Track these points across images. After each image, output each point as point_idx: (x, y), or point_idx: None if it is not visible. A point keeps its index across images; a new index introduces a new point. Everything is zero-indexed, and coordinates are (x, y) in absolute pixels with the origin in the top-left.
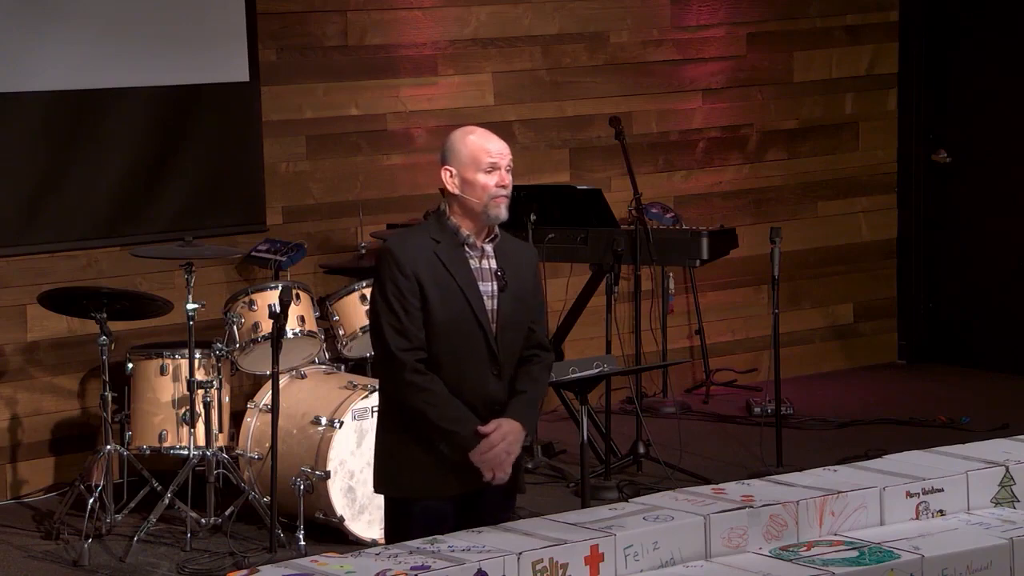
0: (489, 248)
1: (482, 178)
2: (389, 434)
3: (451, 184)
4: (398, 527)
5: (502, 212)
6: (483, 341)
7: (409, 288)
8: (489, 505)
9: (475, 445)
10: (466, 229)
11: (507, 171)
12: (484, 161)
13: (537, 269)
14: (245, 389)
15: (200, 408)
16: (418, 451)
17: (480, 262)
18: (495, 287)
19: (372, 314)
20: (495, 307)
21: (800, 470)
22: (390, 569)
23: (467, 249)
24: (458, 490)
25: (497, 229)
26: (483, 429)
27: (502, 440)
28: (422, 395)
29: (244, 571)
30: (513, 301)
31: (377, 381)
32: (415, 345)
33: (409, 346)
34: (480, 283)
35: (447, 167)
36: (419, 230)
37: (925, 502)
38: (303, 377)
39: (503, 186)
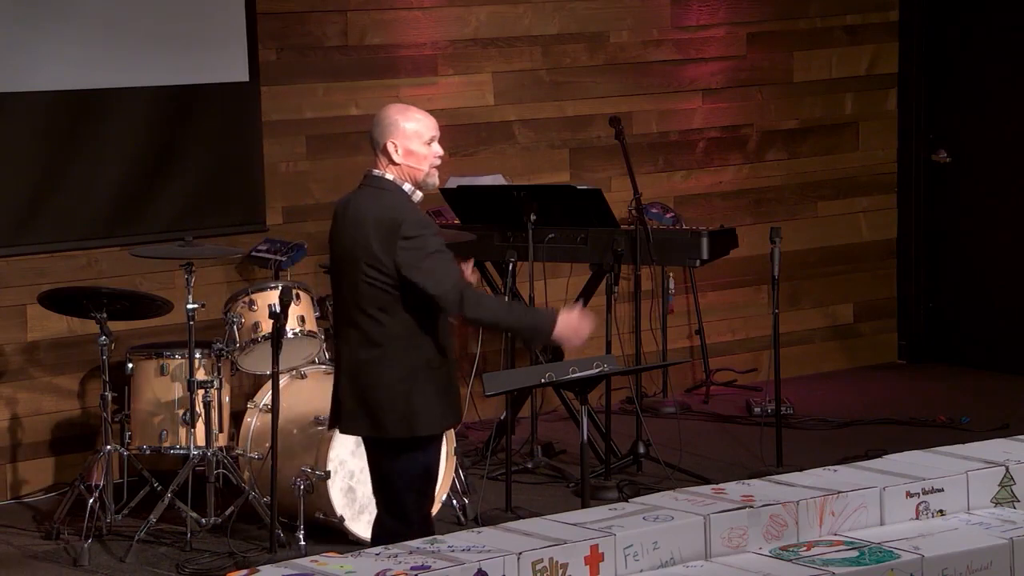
0: None
1: (424, 149)
2: (403, 380)
3: (395, 155)
4: (429, 462)
5: (436, 180)
6: None
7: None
8: None
9: (551, 326)
10: (419, 193)
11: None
12: (426, 134)
13: None
14: (245, 389)
15: (200, 408)
16: (431, 389)
17: None
18: None
19: (427, 260)
20: None
21: (800, 470)
22: (390, 569)
23: None
24: (459, 419)
25: None
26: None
27: (577, 311)
28: (492, 307)
29: (244, 571)
30: None
31: None
32: (456, 282)
33: (455, 282)
34: None
35: (391, 140)
36: (400, 198)
37: (925, 502)
38: (303, 377)
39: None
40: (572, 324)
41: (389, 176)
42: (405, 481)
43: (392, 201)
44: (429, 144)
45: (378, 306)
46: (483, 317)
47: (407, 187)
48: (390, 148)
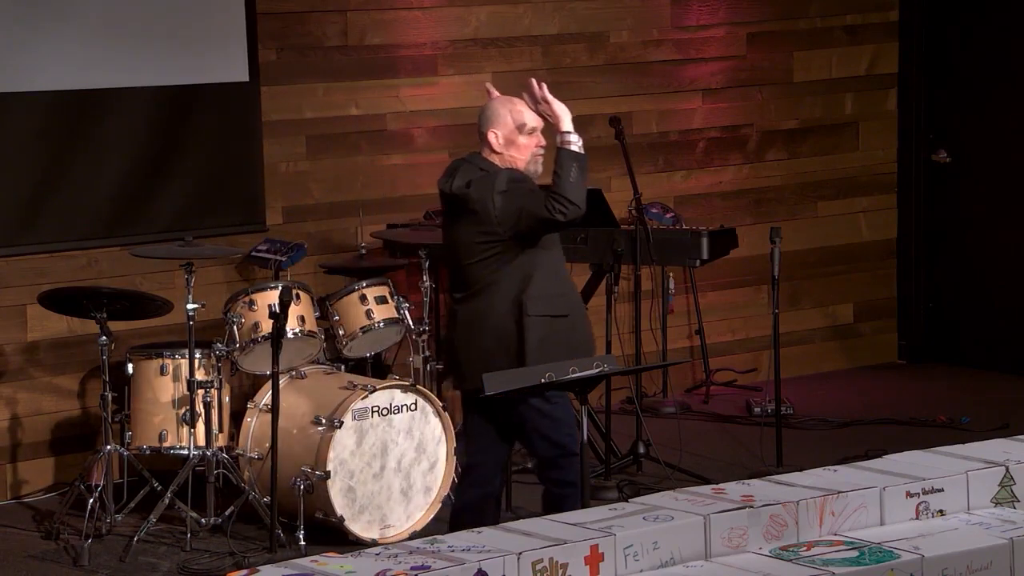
0: None
1: (525, 140)
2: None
3: (497, 145)
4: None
5: (540, 167)
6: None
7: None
8: None
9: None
10: None
11: (541, 134)
12: (528, 125)
13: None
14: (245, 389)
15: (200, 408)
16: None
17: None
18: None
19: (531, 200)
20: None
21: (800, 470)
22: (390, 569)
23: None
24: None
25: None
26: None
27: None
28: (558, 194)
29: (244, 571)
30: None
31: (376, 382)
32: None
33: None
34: None
35: (492, 130)
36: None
37: (925, 502)
38: (303, 377)
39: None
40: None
41: (491, 160)
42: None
43: (485, 174)
44: (530, 134)
45: (486, 267)
46: (569, 198)
47: None
48: (491, 138)
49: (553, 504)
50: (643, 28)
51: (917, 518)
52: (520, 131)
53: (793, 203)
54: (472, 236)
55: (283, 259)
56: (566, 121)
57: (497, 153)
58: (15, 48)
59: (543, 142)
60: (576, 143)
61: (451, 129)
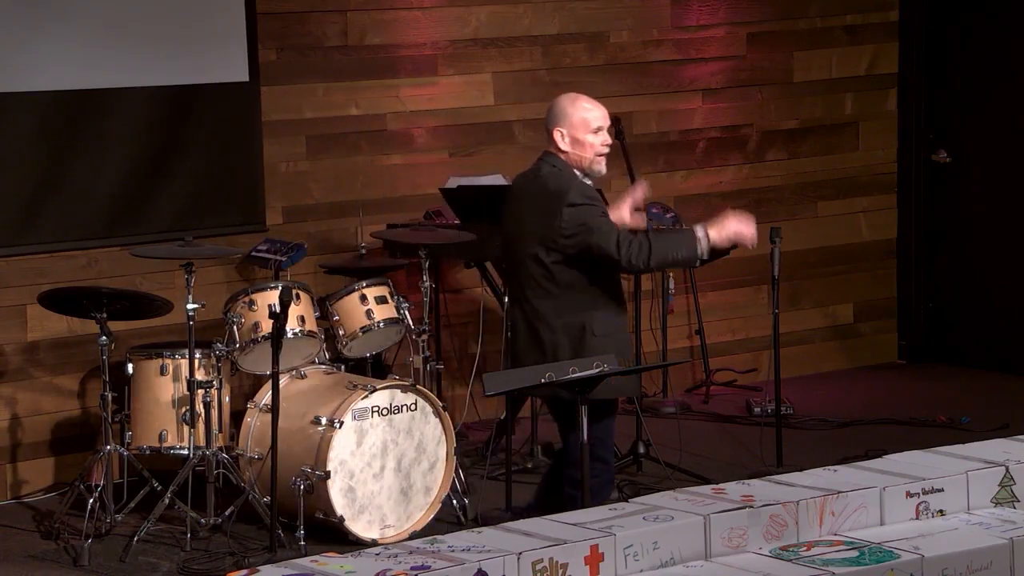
0: None
1: (590, 138)
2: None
3: (562, 143)
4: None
5: (603, 167)
6: None
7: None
8: None
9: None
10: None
11: (608, 133)
12: (592, 124)
13: None
14: (245, 389)
15: (200, 408)
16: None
17: None
18: None
19: (598, 229)
20: None
21: (800, 470)
22: (390, 569)
23: None
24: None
25: None
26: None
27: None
28: (646, 249)
29: (244, 571)
30: None
31: (376, 382)
32: (622, 238)
33: (620, 240)
34: None
35: (558, 128)
36: (570, 174)
37: (925, 502)
38: (303, 377)
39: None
40: (730, 228)
41: (560, 158)
42: None
43: (559, 176)
44: (596, 133)
45: (546, 277)
46: (650, 263)
47: (576, 172)
48: (557, 136)
49: (559, 499)
50: (643, 28)
51: (917, 518)
52: (586, 130)
53: (793, 203)
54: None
55: (283, 259)
56: (747, 239)
57: (563, 151)
58: (15, 48)
59: (608, 141)
60: (703, 244)
61: (451, 129)
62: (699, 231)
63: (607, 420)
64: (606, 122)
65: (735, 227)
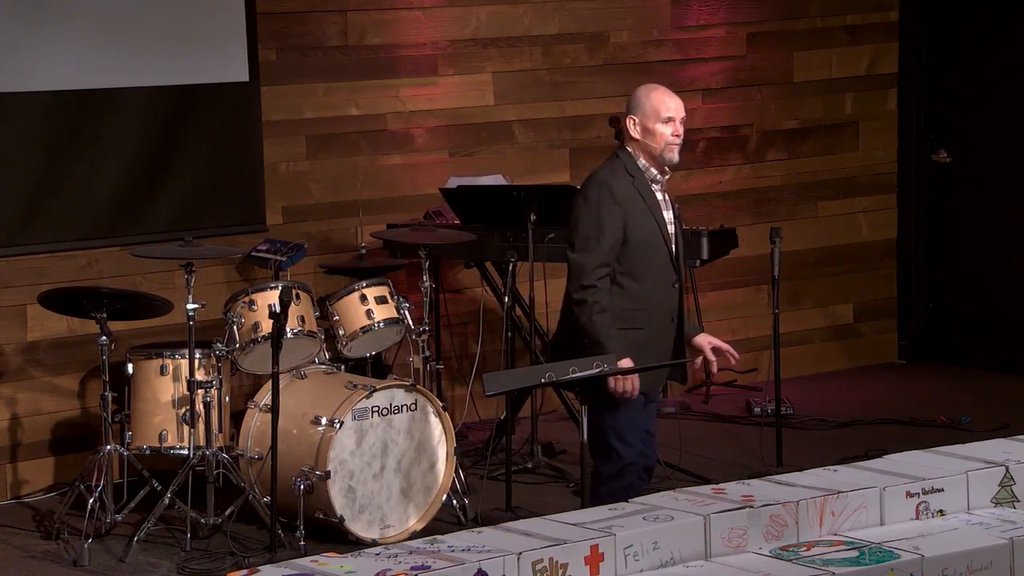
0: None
1: (660, 128)
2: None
3: (634, 131)
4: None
5: (676, 156)
6: (668, 258)
7: (617, 213)
8: None
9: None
10: (654, 168)
11: (681, 123)
12: (663, 114)
13: None
14: (245, 389)
15: (200, 408)
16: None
17: (661, 195)
18: (672, 215)
19: (581, 234)
20: (673, 231)
21: (800, 470)
22: (390, 569)
23: (653, 184)
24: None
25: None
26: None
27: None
28: (592, 309)
29: (244, 571)
30: (680, 226)
31: (376, 382)
32: (601, 263)
33: (597, 263)
34: (664, 211)
35: (631, 116)
36: (616, 168)
37: (925, 502)
38: (303, 377)
39: (677, 135)
40: (616, 384)
41: (628, 148)
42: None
43: (608, 166)
44: (666, 123)
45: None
46: (583, 309)
47: (641, 162)
48: (629, 124)
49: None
50: (643, 28)
51: (917, 518)
52: (656, 118)
53: (793, 203)
54: None
55: (283, 259)
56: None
57: (635, 140)
58: (15, 48)
59: (680, 131)
60: (602, 356)
61: (451, 129)
62: (610, 358)
63: (622, 409)
64: (679, 113)
65: (620, 386)
